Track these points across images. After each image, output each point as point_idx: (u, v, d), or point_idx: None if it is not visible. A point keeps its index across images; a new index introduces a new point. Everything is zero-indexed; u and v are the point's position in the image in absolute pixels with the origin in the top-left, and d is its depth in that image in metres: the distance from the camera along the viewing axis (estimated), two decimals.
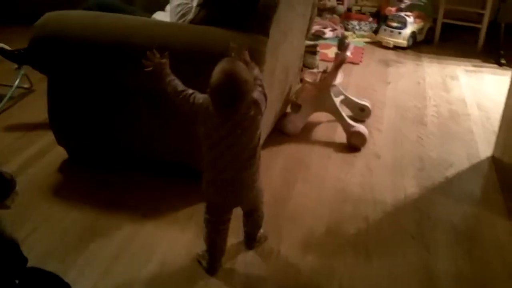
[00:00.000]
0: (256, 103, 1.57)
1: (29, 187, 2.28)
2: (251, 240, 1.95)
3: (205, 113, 1.56)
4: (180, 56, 1.84)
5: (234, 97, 1.48)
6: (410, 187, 2.35)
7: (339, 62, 2.59)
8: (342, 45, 2.67)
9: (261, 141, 1.74)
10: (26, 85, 3.18)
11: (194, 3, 2.12)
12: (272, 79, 2.27)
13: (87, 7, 2.39)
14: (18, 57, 2.95)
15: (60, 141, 2.43)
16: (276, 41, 2.14)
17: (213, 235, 1.80)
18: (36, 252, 1.87)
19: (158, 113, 2.14)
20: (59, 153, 2.48)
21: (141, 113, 2.19)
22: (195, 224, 2.05)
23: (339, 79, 2.69)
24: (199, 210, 2.12)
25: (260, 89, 1.62)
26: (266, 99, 1.62)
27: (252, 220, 1.90)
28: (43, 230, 2.01)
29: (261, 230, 1.97)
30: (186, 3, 2.19)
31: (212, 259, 1.83)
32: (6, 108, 3.00)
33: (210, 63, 1.55)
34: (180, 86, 1.65)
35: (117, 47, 2.05)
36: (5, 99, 3.00)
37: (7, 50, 2.97)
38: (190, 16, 2.12)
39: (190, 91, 1.63)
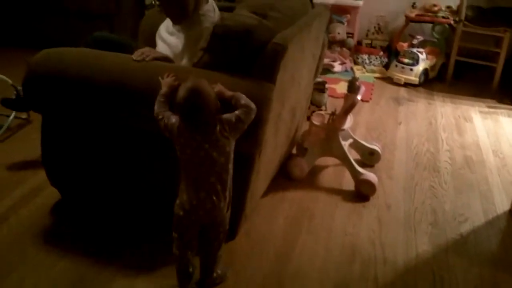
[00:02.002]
0: (221, 121, 1.65)
1: (19, 230, 2.17)
2: (205, 276, 1.88)
3: (177, 131, 1.67)
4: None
5: (196, 107, 1.62)
6: (422, 244, 2.20)
7: (349, 106, 2.46)
8: (352, 87, 2.54)
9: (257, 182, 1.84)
10: (23, 116, 3.08)
11: (198, 46, 2.01)
12: (278, 123, 2.15)
13: (86, 43, 2.29)
14: (20, 105, 2.86)
15: (53, 181, 2.31)
16: (283, 86, 2.03)
17: (178, 252, 1.79)
18: None
19: (161, 159, 2.02)
20: (53, 193, 2.36)
21: (142, 158, 2.07)
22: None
23: (348, 123, 2.56)
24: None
25: (238, 112, 1.69)
26: (239, 123, 1.68)
27: (209, 250, 1.84)
28: (29, 283, 1.87)
29: (219, 271, 1.90)
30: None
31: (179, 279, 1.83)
32: (2, 140, 2.90)
33: None
34: (160, 107, 1.75)
35: (115, 89, 1.93)
36: (2, 130, 2.91)
37: (9, 99, 2.87)
38: (194, 59, 2.01)
39: (167, 113, 1.73)
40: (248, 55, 1.92)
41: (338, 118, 2.52)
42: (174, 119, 1.69)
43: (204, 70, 1.93)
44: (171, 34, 2.26)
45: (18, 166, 2.65)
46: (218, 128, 1.64)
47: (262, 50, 1.90)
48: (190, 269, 1.81)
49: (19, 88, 2.93)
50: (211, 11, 2.27)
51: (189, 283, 1.83)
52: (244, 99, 1.71)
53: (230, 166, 1.72)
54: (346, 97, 2.58)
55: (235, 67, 1.92)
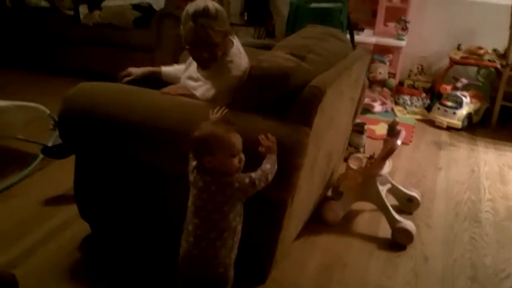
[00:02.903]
0: (224, 182, 1.57)
1: (47, 263, 2.15)
2: None
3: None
4: None
5: (204, 147, 1.55)
6: None
7: (388, 150, 2.39)
8: (392, 130, 2.47)
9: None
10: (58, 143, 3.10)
11: (222, 87, 1.99)
12: (313, 168, 2.09)
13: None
14: (60, 152, 2.81)
15: (84, 215, 2.30)
16: (320, 130, 1.97)
17: None
18: None
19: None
20: (83, 227, 2.35)
21: (172, 198, 2.03)
22: None
23: (386, 168, 2.48)
24: None
25: (254, 175, 1.60)
26: (247, 191, 1.61)
27: None
28: None
29: None
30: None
31: None
32: (36, 170, 2.93)
33: (245, 151, 1.60)
34: None
35: (146, 128, 1.92)
36: (37, 161, 2.94)
37: (49, 148, 2.86)
38: (226, 98, 1.97)
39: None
40: (285, 98, 1.88)
41: (376, 162, 2.44)
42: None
43: (238, 112, 1.90)
44: (195, 80, 2.19)
45: (48, 199, 2.65)
46: (215, 184, 1.58)
47: (299, 93, 1.86)
48: None
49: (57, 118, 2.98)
50: (237, 55, 2.10)
51: None
52: (271, 164, 1.64)
53: (233, 223, 1.63)
54: (385, 141, 2.51)
55: (270, 109, 1.89)
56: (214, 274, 1.62)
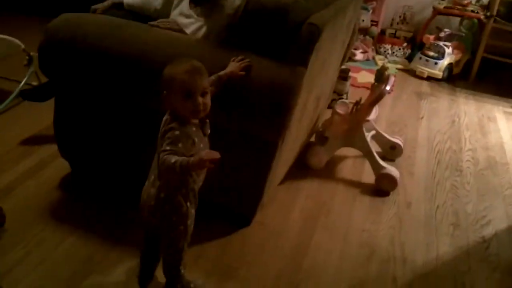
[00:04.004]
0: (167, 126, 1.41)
1: (26, 202, 2.09)
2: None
3: None
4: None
5: (162, 83, 1.42)
6: (443, 246, 2.11)
7: (377, 97, 2.35)
8: (381, 76, 2.43)
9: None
10: (34, 83, 2.97)
11: (216, 24, 1.90)
12: (303, 112, 2.04)
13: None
14: (40, 95, 2.63)
15: (64, 153, 2.23)
16: (313, 72, 1.91)
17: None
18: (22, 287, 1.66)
19: None
20: (62, 166, 2.28)
21: (154, 134, 1.97)
22: (201, 267, 1.84)
23: (373, 114, 2.46)
24: (210, 248, 1.93)
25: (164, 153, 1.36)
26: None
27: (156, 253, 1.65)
28: (34, 258, 1.80)
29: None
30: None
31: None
32: (10, 107, 2.81)
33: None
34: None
35: (136, 63, 1.83)
36: (12, 96, 2.81)
37: (28, 91, 2.71)
38: (218, 36, 1.89)
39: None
40: (281, 36, 1.80)
41: (363, 108, 2.41)
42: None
43: (232, 50, 1.82)
44: (187, 17, 2.08)
45: (28, 134, 2.56)
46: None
47: (296, 31, 1.78)
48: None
49: (32, 54, 2.83)
50: None
51: (144, 285, 1.70)
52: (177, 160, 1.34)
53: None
54: (373, 87, 2.48)
55: (266, 48, 1.81)
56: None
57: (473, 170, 2.75)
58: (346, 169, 2.59)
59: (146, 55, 1.83)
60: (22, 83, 2.90)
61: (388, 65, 4.17)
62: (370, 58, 4.27)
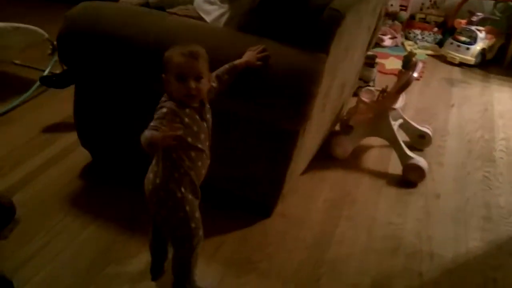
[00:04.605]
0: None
1: (47, 190, 2.09)
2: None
3: None
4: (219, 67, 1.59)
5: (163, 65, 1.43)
6: (473, 240, 2.02)
7: (404, 84, 2.26)
8: (408, 63, 2.34)
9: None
10: (58, 71, 2.96)
11: (240, 10, 1.83)
12: (325, 98, 1.97)
13: None
14: (60, 81, 2.64)
15: (85, 143, 2.22)
16: (336, 58, 1.84)
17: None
18: (41, 276, 1.66)
19: None
20: (83, 154, 2.27)
21: None
22: (220, 259, 1.80)
23: (400, 102, 2.37)
24: (230, 240, 1.89)
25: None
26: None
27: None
28: (53, 247, 1.79)
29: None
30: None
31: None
32: (35, 95, 2.82)
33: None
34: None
35: (153, 51, 1.78)
36: (36, 85, 2.82)
37: (48, 77, 2.70)
38: (239, 23, 1.83)
39: None
40: (301, 21, 1.73)
41: (390, 96, 2.33)
42: None
43: (251, 35, 1.77)
44: (211, 3, 2.05)
45: (46, 127, 2.56)
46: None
47: (317, 16, 1.71)
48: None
49: (55, 43, 2.83)
50: None
51: (156, 277, 1.69)
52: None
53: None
54: (400, 73, 2.40)
55: (286, 34, 1.75)
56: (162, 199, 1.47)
57: (506, 161, 2.63)
58: (372, 159, 2.51)
59: (164, 43, 1.77)
60: (46, 71, 2.91)
61: (418, 50, 4.04)
62: (399, 43, 4.14)
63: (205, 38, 1.74)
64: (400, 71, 2.37)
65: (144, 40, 1.81)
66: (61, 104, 2.60)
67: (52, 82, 2.61)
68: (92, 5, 1.98)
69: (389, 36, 4.12)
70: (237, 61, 1.62)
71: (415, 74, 2.23)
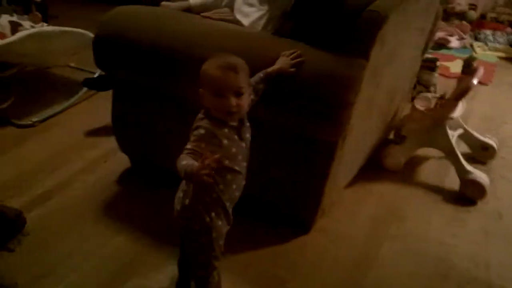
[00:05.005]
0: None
1: (83, 196, 2.06)
2: None
3: None
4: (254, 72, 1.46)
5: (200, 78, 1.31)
6: None
7: (462, 90, 2.05)
8: (468, 67, 2.12)
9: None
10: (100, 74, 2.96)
11: (278, 11, 1.71)
12: (370, 106, 1.82)
13: None
14: (102, 83, 2.64)
15: (123, 147, 2.17)
16: (379, 63, 1.68)
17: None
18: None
19: None
20: (123, 160, 2.23)
21: None
22: (249, 275, 1.68)
23: (459, 110, 2.15)
24: (263, 256, 1.77)
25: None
26: None
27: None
28: (79, 256, 1.75)
29: None
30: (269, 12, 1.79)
31: None
32: (84, 99, 2.83)
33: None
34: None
35: (185, 56, 1.70)
36: (83, 91, 2.84)
37: (91, 79, 2.72)
38: (275, 25, 1.71)
39: None
40: (339, 24, 1.59)
41: (447, 104, 2.11)
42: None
43: (286, 39, 1.64)
44: (250, 5, 1.95)
45: (91, 130, 2.55)
46: None
47: (356, 19, 1.56)
48: None
49: None
50: None
51: None
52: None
53: None
54: (460, 79, 2.17)
55: (322, 38, 1.60)
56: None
57: None
58: (427, 172, 2.30)
59: (195, 48, 1.69)
60: (96, 74, 2.91)
61: (488, 52, 3.75)
62: (468, 45, 3.85)
63: (236, 43, 1.64)
64: (460, 77, 2.15)
65: (174, 45, 1.73)
66: (107, 108, 2.58)
67: (94, 84, 2.60)
68: (126, 9, 1.94)
69: (456, 37, 3.84)
70: (270, 69, 1.50)
71: (475, 80, 2.01)
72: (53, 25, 2.98)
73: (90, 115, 2.68)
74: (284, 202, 1.84)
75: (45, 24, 3.03)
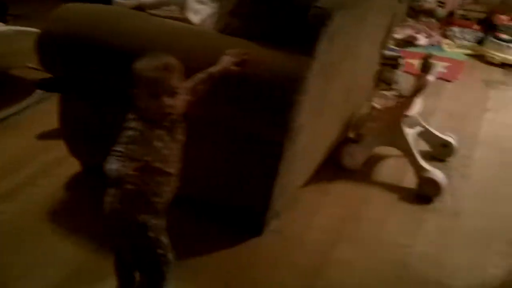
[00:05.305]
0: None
1: (32, 202, 1.97)
2: None
3: None
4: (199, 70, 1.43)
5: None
6: (492, 268, 1.76)
7: (418, 87, 2.02)
8: (425, 66, 2.10)
9: None
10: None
11: (228, 8, 1.66)
12: (322, 105, 1.78)
13: None
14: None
15: (73, 151, 2.10)
16: (331, 61, 1.65)
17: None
18: None
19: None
20: (76, 164, 2.15)
21: None
22: (201, 282, 1.63)
23: (416, 108, 2.12)
24: (213, 261, 1.71)
25: None
26: None
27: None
28: (23, 264, 1.67)
29: None
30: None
31: None
32: (41, 100, 2.75)
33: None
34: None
35: (133, 56, 1.64)
36: (37, 93, 2.74)
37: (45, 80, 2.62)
38: (226, 23, 1.66)
39: None
40: (286, 22, 1.55)
41: (404, 102, 2.09)
42: None
43: (232, 37, 1.59)
44: (201, 3, 1.90)
45: (45, 133, 2.45)
46: None
47: (303, 16, 1.52)
48: None
49: None
50: None
51: None
52: None
53: None
54: (418, 77, 2.14)
55: (270, 35, 1.56)
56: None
57: None
58: (386, 171, 2.27)
59: (141, 47, 1.62)
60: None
61: (455, 50, 3.75)
62: (435, 43, 3.84)
63: (181, 41, 1.60)
64: (418, 75, 2.12)
65: (120, 44, 1.67)
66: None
67: (50, 86, 2.52)
68: (74, 7, 1.86)
69: (424, 34, 3.83)
70: (212, 69, 1.45)
71: (431, 78, 1.99)
72: (15, 25, 2.92)
73: (45, 117, 2.60)
74: (234, 204, 1.80)
75: (2, 24, 2.95)
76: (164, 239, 1.34)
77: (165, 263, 1.36)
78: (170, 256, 1.37)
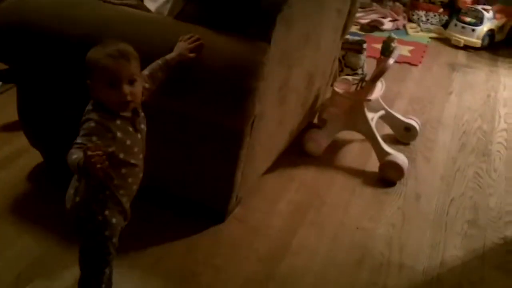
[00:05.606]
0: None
1: None
2: None
3: None
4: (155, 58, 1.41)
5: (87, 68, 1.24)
6: (452, 248, 1.79)
7: (379, 71, 2.03)
8: (387, 49, 2.11)
9: None
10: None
11: None
12: (284, 92, 1.77)
13: None
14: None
15: (33, 143, 2.06)
16: (289, 47, 1.64)
17: None
18: None
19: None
20: (37, 155, 2.11)
21: None
22: (160, 271, 1.62)
23: (377, 92, 2.14)
24: (172, 251, 1.69)
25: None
26: None
27: None
28: None
29: None
30: None
31: None
32: (2, 91, 2.68)
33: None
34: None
35: (86, 44, 1.60)
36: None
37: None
38: (176, 10, 1.64)
39: None
40: (242, 7, 1.53)
41: (365, 86, 2.10)
42: None
43: (188, 24, 1.57)
44: None
45: (6, 125, 2.40)
46: None
47: (258, 1, 1.50)
48: None
49: None
50: None
51: None
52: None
53: None
54: (379, 60, 2.16)
55: (226, 21, 1.54)
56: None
57: (504, 155, 2.37)
58: (349, 156, 2.28)
59: (95, 36, 1.59)
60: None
61: (420, 33, 3.78)
62: (401, 27, 3.87)
63: (139, 29, 1.57)
64: (379, 58, 2.14)
65: (73, 32, 1.63)
66: None
67: (7, 77, 2.46)
68: None
69: (389, 18, 3.85)
70: (169, 56, 1.43)
71: (391, 61, 2.00)
72: None
73: (6, 109, 2.54)
74: (196, 192, 1.79)
75: None
76: (115, 240, 1.31)
77: (107, 263, 1.33)
78: (112, 257, 1.34)
